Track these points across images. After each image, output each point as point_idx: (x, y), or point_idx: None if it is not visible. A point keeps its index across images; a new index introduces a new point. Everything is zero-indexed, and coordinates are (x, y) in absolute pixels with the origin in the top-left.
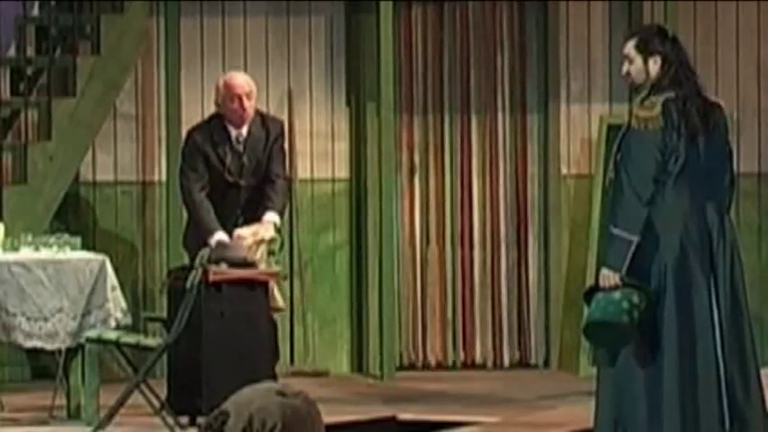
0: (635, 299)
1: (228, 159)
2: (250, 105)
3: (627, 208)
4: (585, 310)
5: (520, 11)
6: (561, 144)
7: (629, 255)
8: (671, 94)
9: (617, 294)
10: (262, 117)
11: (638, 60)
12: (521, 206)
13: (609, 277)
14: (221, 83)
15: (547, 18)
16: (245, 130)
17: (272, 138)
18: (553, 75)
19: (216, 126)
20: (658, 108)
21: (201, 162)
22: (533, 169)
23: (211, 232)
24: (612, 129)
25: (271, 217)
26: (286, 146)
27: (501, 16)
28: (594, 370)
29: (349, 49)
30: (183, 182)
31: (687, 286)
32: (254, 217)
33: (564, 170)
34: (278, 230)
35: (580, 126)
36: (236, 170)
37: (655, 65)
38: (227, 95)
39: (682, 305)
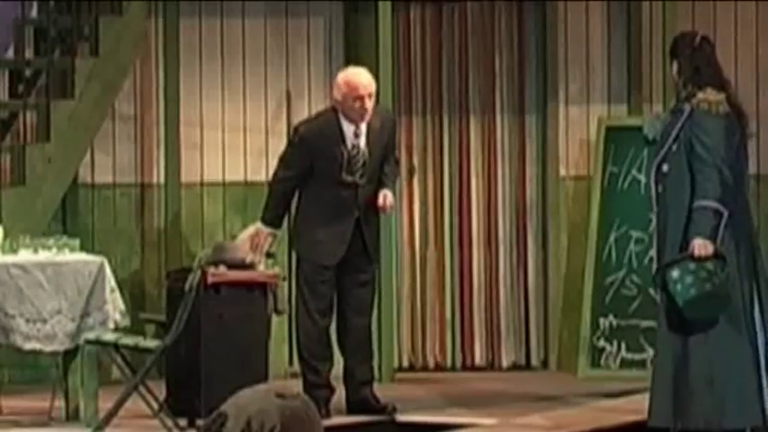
0: (720, 269)
1: (345, 157)
2: (371, 105)
3: (716, 182)
4: (674, 287)
5: (518, 11)
6: (560, 145)
7: (722, 226)
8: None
9: (709, 265)
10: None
11: (674, 62)
12: (519, 207)
13: (705, 246)
14: (342, 80)
15: (545, 19)
16: (363, 126)
17: (389, 132)
18: (552, 76)
19: (328, 122)
20: (723, 95)
21: (304, 158)
22: (532, 170)
23: (261, 220)
24: (611, 130)
25: (386, 193)
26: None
27: (499, 17)
28: (595, 371)
29: (347, 50)
30: (275, 171)
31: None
32: (371, 221)
33: (562, 171)
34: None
35: (579, 127)
36: (354, 167)
37: (674, 67)
38: (350, 95)
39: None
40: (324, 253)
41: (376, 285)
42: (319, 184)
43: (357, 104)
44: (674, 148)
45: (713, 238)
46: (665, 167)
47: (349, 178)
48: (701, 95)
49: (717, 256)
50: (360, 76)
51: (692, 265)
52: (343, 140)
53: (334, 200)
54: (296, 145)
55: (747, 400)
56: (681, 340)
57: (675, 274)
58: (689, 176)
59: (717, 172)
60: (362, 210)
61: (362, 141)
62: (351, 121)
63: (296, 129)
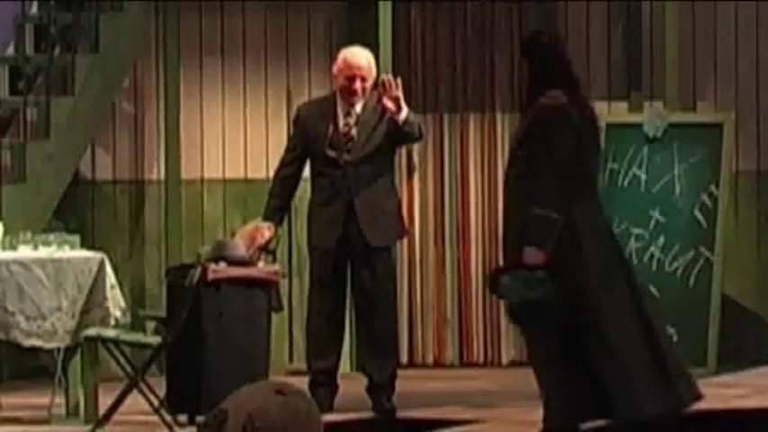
0: (544, 276)
1: (331, 132)
2: (362, 87)
3: (553, 188)
4: (504, 291)
5: (518, 11)
6: None
7: (555, 232)
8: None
9: (540, 273)
10: (378, 97)
11: (525, 63)
12: None
13: (535, 254)
14: (341, 56)
15: (545, 19)
16: (359, 106)
17: (387, 118)
18: None
19: (326, 101)
20: (565, 97)
21: (300, 136)
22: None
23: (263, 216)
24: (611, 127)
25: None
26: None
27: (499, 16)
28: None
29: None
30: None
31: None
32: (370, 206)
33: None
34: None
35: None
36: (340, 144)
37: (526, 68)
38: (343, 72)
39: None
40: (317, 234)
41: (388, 284)
42: (314, 167)
43: (347, 83)
44: (520, 152)
45: (544, 247)
46: (513, 171)
47: (332, 153)
48: (543, 99)
49: (548, 263)
50: (358, 58)
51: (522, 272)
52: (334, 118)
53: (327, 181)
54: (294, 124)
55: (657, 389)
56: (566, 343)
57: (506, 279)
58: (531, 179)
59: (556, 176)
60: (357, 194)
61: (353, 122)
62: (343, 99)
63: (297, 108)
